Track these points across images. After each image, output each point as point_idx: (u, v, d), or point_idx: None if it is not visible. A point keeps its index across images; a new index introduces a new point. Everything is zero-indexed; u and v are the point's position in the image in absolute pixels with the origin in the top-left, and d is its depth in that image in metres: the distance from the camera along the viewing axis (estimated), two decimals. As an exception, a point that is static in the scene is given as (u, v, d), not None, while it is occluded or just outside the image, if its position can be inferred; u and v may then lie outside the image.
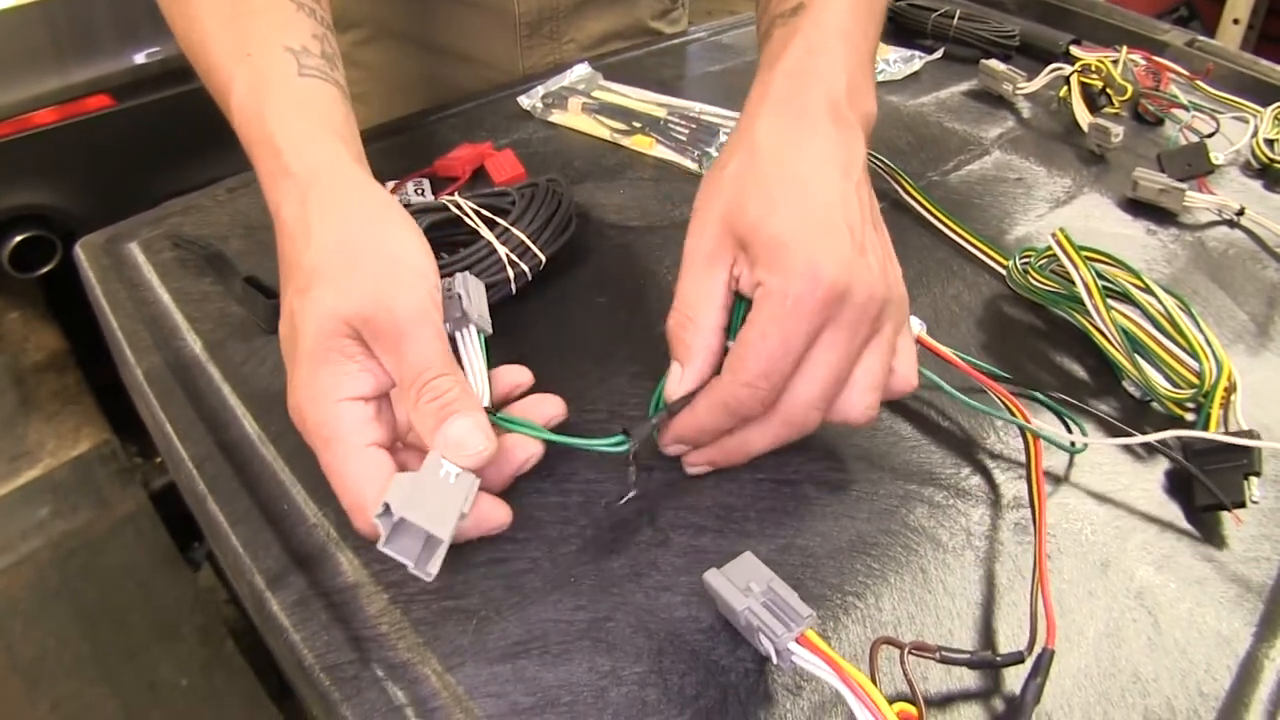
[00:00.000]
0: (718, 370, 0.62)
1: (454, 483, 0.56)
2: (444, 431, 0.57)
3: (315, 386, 0.58)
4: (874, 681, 0.50)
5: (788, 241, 0.58)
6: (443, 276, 0.65)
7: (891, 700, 0.49)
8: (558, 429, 0.64)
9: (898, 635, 0.56)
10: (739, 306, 0.63)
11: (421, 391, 0.58)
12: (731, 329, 0.63)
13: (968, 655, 0.55)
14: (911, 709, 0.50)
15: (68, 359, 2.64)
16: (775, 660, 0.52)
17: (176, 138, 2.42)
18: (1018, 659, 0.55)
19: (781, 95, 0.67)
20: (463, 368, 0.62)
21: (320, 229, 0.62)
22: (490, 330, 0.67)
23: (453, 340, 0.64)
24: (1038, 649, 0.55)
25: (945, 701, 0.54)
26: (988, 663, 0.55)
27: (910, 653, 0.53)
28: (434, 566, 0.55)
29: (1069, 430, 0.69)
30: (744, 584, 0.53)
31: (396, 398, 0.62)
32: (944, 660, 0.54)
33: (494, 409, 0.62)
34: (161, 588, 2.10)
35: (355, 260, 0.61)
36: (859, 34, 0.71)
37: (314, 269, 0.60)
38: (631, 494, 0.62)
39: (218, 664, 1.95)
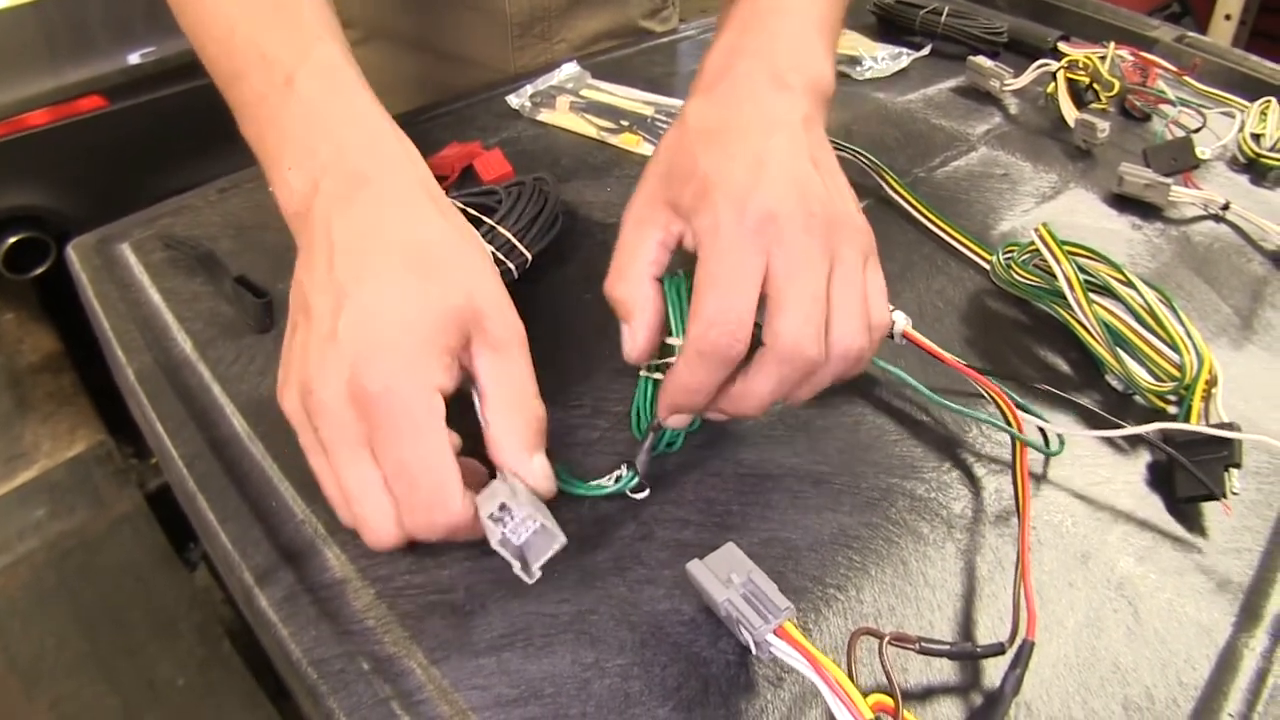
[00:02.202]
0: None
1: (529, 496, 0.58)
2: (540, 456, 0.59)
3: (421, 373, 0.55)
4: (851, 673, 0.50)
5: (713, 181, 0.59)
6: None
7: (870, 691, 0.50)
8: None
9: (879, 627, 0.56)
10: (676, 293, 0.64)
11: (529, 407, 0.60)
12: (677, 325, 0.64)
13: (947, 646, 0.55)
14: (888, 700, 0.50)
15: (63, 360, 2.65)
16: (754, 651, 0.52)
17: (170, 138, 2.42)
18: (998, 650, 0.55)
19: (713, 74, 0.67)
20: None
21: (427, 207, 0.62)
22: None
23: None
24: (1018, 640, 0.55)
25: (925, 693, 0.55)
26: (967, 654, 0.56)
27: (889, 644, 0.53)
28: (538, 569, 0.57)
29: (1045, 438, 0.70)
30: (725, 575, 0.53)
31: (491, 401, 0.59)
32: (923, 651, 0.55)
33: None
34: (158, 587, 2.10)
35: (476, 252, 0.62)
36: (797, 7, 0.71)
37: (434, 245, 0.60)
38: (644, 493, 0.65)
39: (215, 663, 1.96)
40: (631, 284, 0.62)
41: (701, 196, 0.59)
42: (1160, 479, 0.70)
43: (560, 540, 0.56)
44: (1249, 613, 0.62)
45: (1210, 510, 0.68)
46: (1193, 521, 0.68)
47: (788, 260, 0.58)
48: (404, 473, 0.54)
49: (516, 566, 0.56)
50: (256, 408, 0.71)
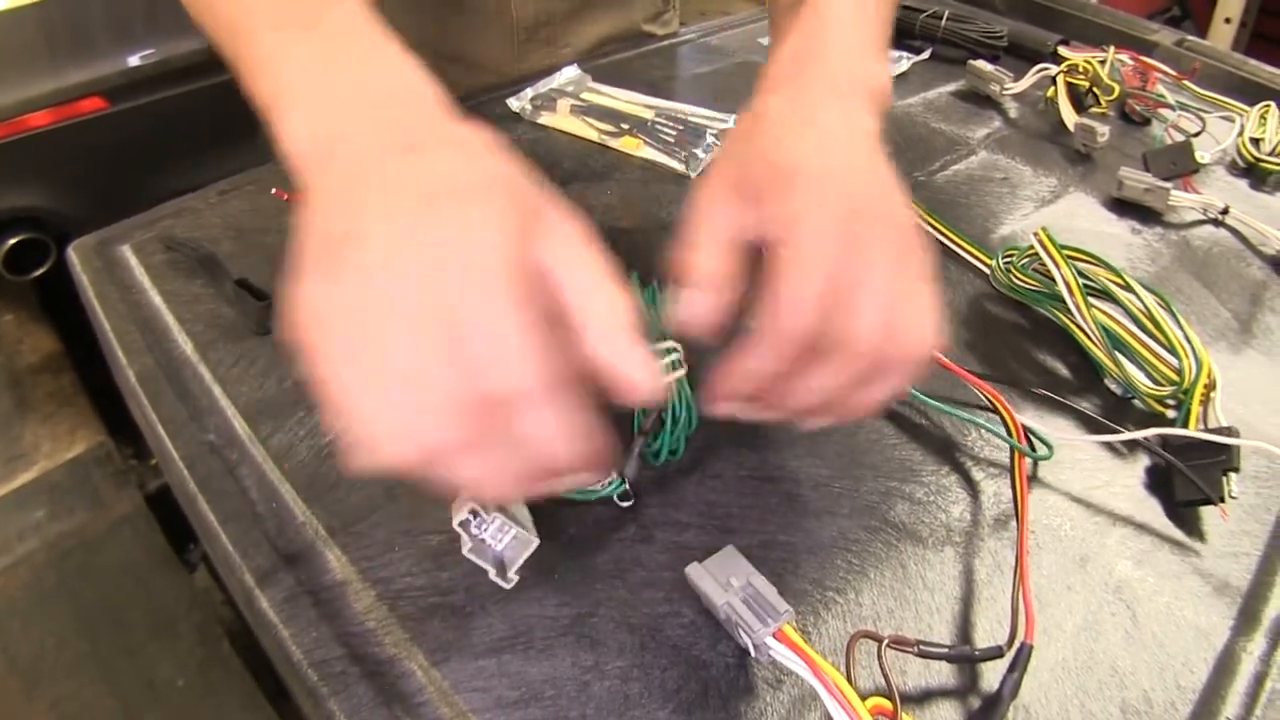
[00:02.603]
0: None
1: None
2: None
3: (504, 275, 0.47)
4: (849, 676, 0.51)
5: (794, 167, 0.56)
6: None
7: (869, 695, 0.50)
8: None
9: (877, 630, 0.57)
10: (651, 299, 0.63)
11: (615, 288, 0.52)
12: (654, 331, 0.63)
13: (946, 650, 0.56)
14: (886, 703, 0.51)
15: (63, 361, 2.65)
16: (753, 654, 0.53)
17: (171, 140, 2.43)
18: (996, 654, 0.56)
19: (782, 78, 0.65)
20: None
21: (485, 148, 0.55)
22: None
23: None
24: (1017, 644, 0.55)
25: (923, 696, 0.55)
26: (966, 657, 0.56)
27: (888, 647, 0.54)
28: (515, 574, 0.57)
29: (1032, 447, 0.70)
30: (725, 579, 0.54)
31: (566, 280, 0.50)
32: (922, 654, 0.55)
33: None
34: (158, 588, 2.10)
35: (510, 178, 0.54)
36: (856, 16, 0.69)
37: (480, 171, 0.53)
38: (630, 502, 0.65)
39: (214, 663, 1.96)
40: (704, 250, 0.57)
41: (781, 185, 0.56)
42: (1159, 483, 0.70)
43: (534, 543, 0.57)
44: (1247, 616, 0.62)
45: (1208, 514, 0.68)
46: (1191, 525, 0.68)
47: (865, 255, 0.55)
48: (475, 332, 0.45)
49: (492, 573, 0.56)
50: (257, 410, 0.71)
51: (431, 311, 0.45)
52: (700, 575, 0.55)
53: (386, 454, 0.45)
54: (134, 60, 2.35)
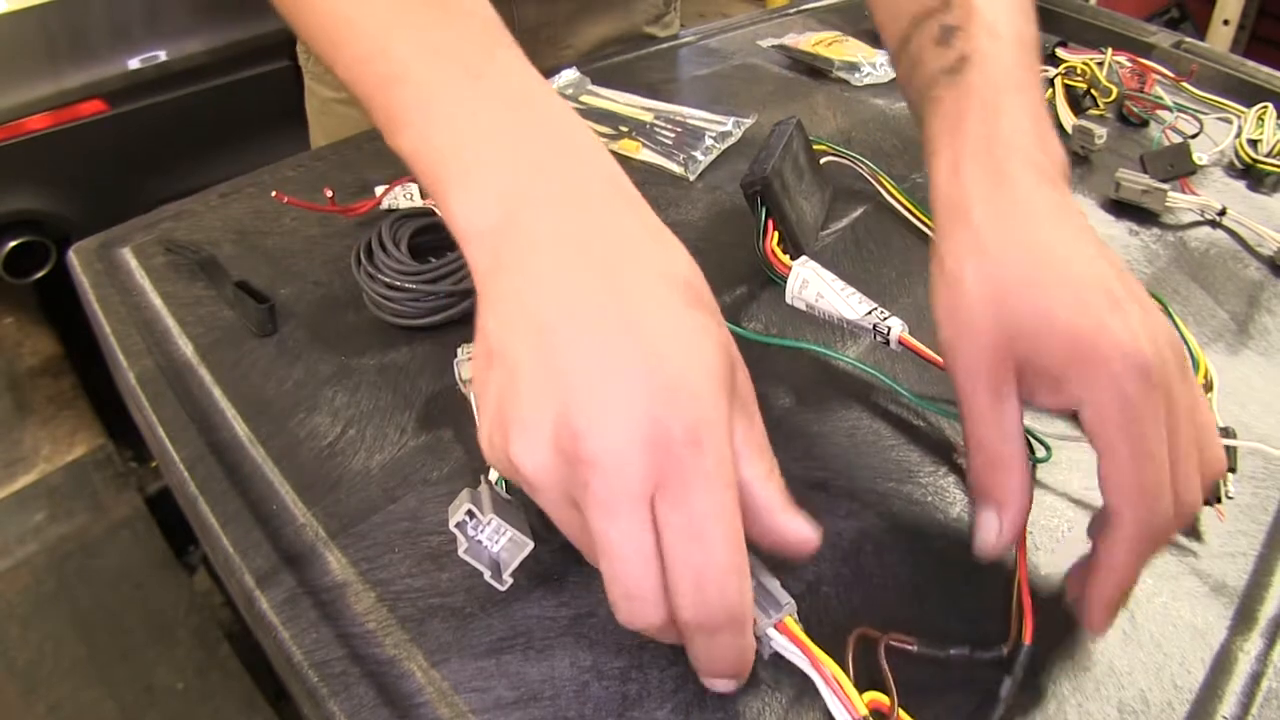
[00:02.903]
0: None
1: (509, 500, 0.59)
2: (799, 510, 0.52)
3: (725, 413, 0.47)
4: (848, 670, 0.51)
5: (1088, 340, 0.51)
6: (439, 286, 0.68)
7: (867, 690, 0.51)
8: None
9: (878, 630, 0.57)
10: None
11: (771, 460, 0.52)
12: None
13: (945, 650, 0.56)
14: (883, 699, 0.51)
15: (63, 364, 2.65)
16: (756, 646, 0.53)
17: (170, 143, 2.43)
18: (996, 655, 0.56)
19: (982, 176, 0.59)
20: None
21: (669, 234, 0.53)
22: None
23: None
24: (1015, 644, 0.55)
25: (921, 694, 0.55)
26: (964, 657, 0.56)
27: (888, 644, 0.54)
28: (509, 576, 0.57)
29: (1030, 448, 0.69)
30: None
31: (750, 460, 0.50)
32: (921, 653, 0.55)
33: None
34: (157, 591, 2.11)
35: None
36: (1031, 79, 0.65)
37: (693, 277, 0.51)
38: None
39: (213, 666, 1.96)
40: (1017, 473, 0.55)
41: (1082, 358, 0.52)
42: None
43: (529, 546, 0.57)
44: (1244, 616, 0.62)
45: (1205, 514, 0.68)
46: (1188, 526, 0.68)
47: (1176, 408, 0.53)
48: (704, 532, 0.45)
49: (487, 574, 0.57)
50: (258, 412, 0.71)
51: (646, 476, 0.45)
52: None
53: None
54: (134, 63, 2.35)
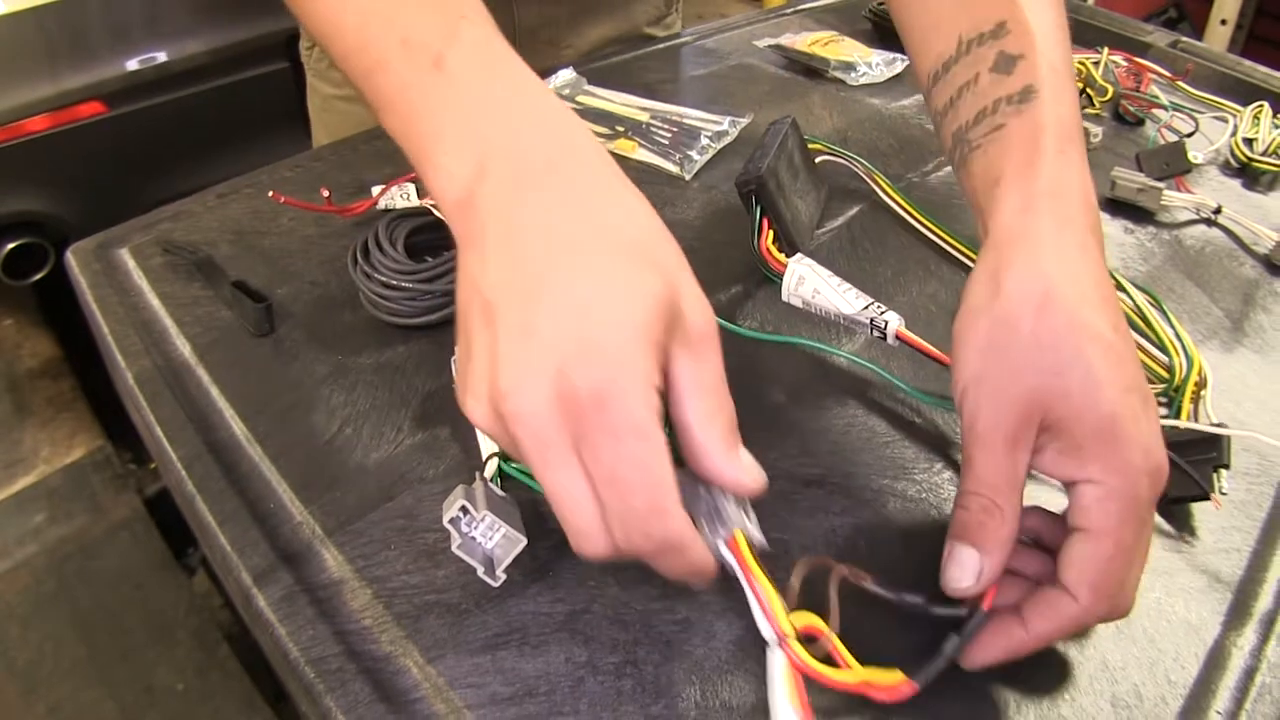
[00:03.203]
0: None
1: (504, 497, 0.60)
2: (744, 451, 0.54)
3: (639, 369, 0.48)
4: (784, 593, 0.52)
5: (1122, 426, 0.52)
6: (435, 285, 0.68)
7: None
8: None
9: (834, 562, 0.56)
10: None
11: (726, 406, 0.54)
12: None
13: (900, 593, 0.57)
14: (820, 624, 0.52)
15: (62, 366, 2.65)
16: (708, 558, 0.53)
17: (169, 144, 2.43)
18: (954, 613, 0.56)
19: (1053, 217, 0.59)
20: None
21: (623, 189, 0.55)
22: None
23: None
24: (974, 608, 0.56)
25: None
26: (920, 607, 0.57)
27: (842, 574, 0.54)
28: (502, 572, 0.58)
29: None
30: (695, 489, 0.55)
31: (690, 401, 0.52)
32: (875, 593, 0.56)
33: (505, 457, 0.66)
34: (157, 592, 2.11)
35: (671, 239, 0.54)
36: (1081, 124, 0.66)
37: (637, 230, 0.53)
38: None
39: (213, 667, 1.96)
40: (1009, 524, 0.55)
41: (1110, 445, 0.52)
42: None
43: (522, 542, 0.58)
44: (1237, 612, 0.63)
45: (1199, 511, 0.69)
46: (1182, 522, 0.68)
47: (1151, 519, 0.54)
48: (617, 479, 0.48)
49: (480, 570, 0.57)
50: (255, 411, 0.71)
51: (562, 431, 0.48)
52: (684, 475, 0.54)
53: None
54: (132, 64, 2.35)
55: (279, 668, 0.58)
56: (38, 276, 2.41)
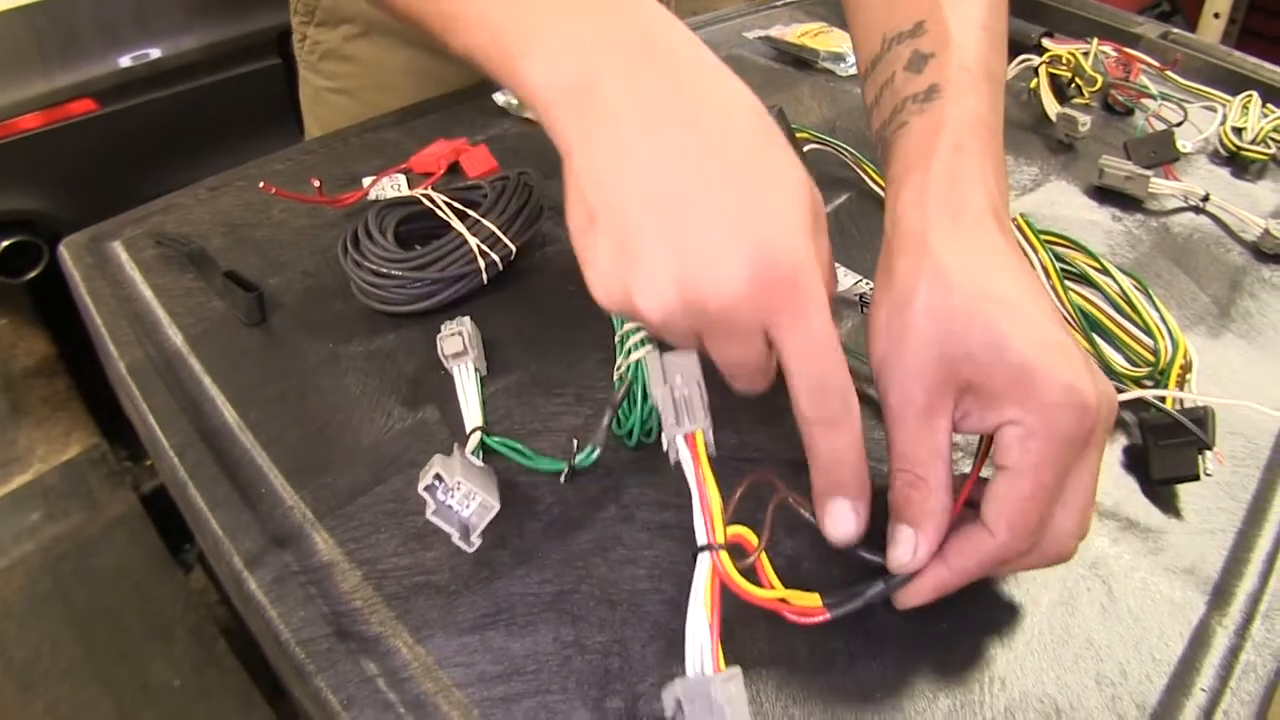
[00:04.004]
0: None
1: (482, 468, 0.62)
2: None
3: (815, 249, 0.52)
4: (727, 503, 0.52)
5: (1036, 370, 0.52)
6: (425, 273, 0.72)
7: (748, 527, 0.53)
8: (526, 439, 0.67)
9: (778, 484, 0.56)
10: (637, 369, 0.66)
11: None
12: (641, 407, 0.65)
13: None
14: (752, 538, 0.52)
15: (57, 364, 2.65)
16: (665, 448, 0.55)
17: (162, 141, 2.42)
18: (879, 559, 0.57)
19: (945, 206, 0.60)
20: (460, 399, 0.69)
21: (738, 81, 0.56)
22: (485, 371, 0.73)
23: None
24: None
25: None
26: (852, 549, 0.58)
27: (783, 498, 0.56)
28: (477, 538, 0.59)
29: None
30: (672, 376, 0.55)
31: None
32: (811, 522, 0.57)
33: (489, 431, 0.67)
34: (153, 589, 2.11)
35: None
36: (996, 118, 0.67)
37: (769, 121, 0.55)
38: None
39: (210, 664, 1.96)
40: (937, 494, 0.55)
41: (1025, 386, 0.53)
42: (1136, 462, 0.71)
43: (495, 507, 0.59)
44: (1222, 591, 0.63)
45: (1185, 492, 0.69)
46: (1167, 504, 0.69)
47: (1089, 458, 0.55)
48: (812, 353, 0.52)
49: (455, 536, 0.58)
50: (247, 398, 0.71)
51: (757, 312, 0.52)
52: (654, 363, 0.56)
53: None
54: (124, 62, 2.35)
55: (270, 650, 0.58)
56: (31, 275, 2.41)
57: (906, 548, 0.55)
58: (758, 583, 0.53)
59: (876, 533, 0.58)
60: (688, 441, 0.54)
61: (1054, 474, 0.53)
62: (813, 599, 0.54)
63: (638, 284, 0.52)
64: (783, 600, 0.53)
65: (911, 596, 0.57)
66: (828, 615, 0.54)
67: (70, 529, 2.22)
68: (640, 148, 0.52)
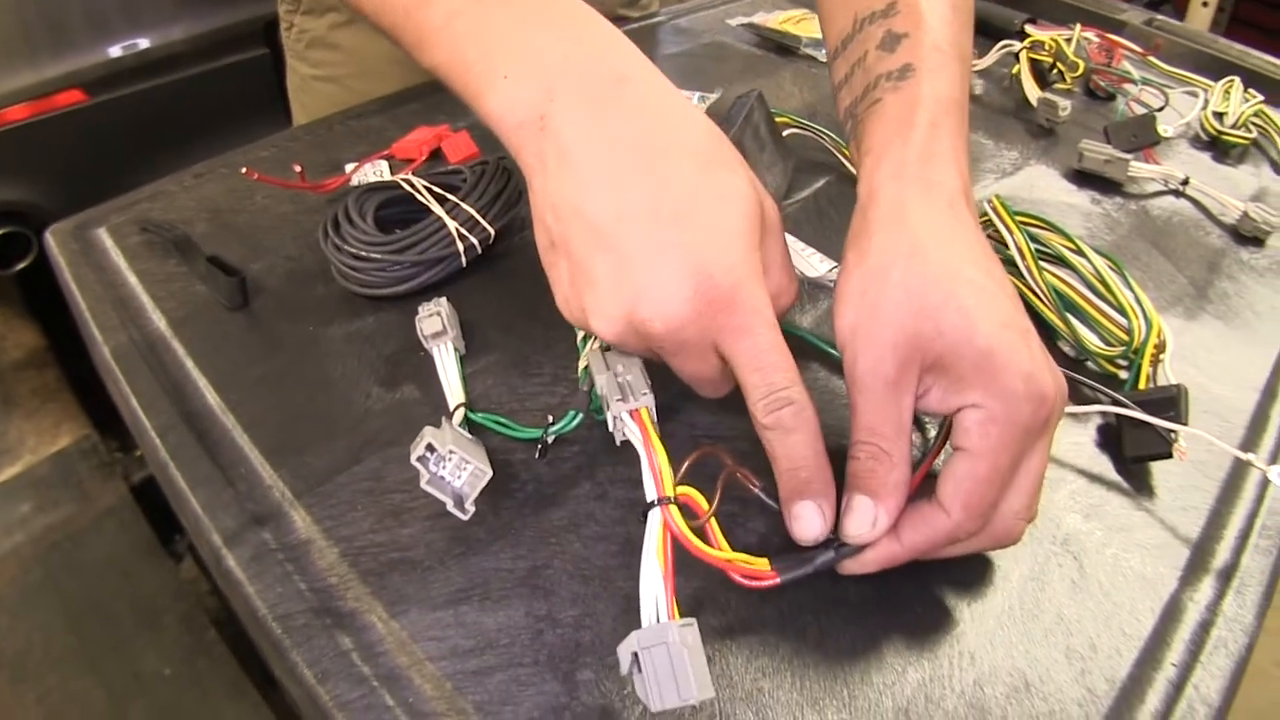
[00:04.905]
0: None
1: (471, 439, 0.63)
2: None
3: (758, 266, 0.56)
4: (676, 468, 0.54)
5: (998, 355, 0.53)
6: (405, 256, 0.74)
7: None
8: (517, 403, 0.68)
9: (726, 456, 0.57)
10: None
11: (794, 286, 0.63)
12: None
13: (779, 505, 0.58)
14: (701, 501, 0.54)
15: (46, 356, 2.64)
16: (610, 427, 0.60)
17: (149, 132, 2.42)
18: (829, 536, 0.57)
19: (920, 182, 0.61)
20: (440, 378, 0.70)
21: (690, 105, 0.61)
22: (464, 350, 0.74)
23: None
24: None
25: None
26: None
27: (731, 471, 0.56)
28: (471, 505, 0.61)
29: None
30: (614, 365, 0.60)
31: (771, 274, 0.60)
32: (761, 499, 0.58)
33: (471, 407, 0.68)
34: (144, 579, 2.11)
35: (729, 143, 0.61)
36: (965, 99, 0.68)
37: (716, 141, 0.59)
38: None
39: (200, 653, 1.96)
40: (899, 468, 0.56)
41: (987, 372, 0.54)
42: (1110, 441, 0.72)
43: (488, 474, 0.60)
44: (1195, 567, 0.64)
45: (1159, 470, 0.70)
46: (1141, 481, 0.69)
47: (1041, 444, 0.56)
48: (762, 364, 0.55)
49: (450, 504, 0.59)
50: (228, 381, 0.72)
51: (705, 328, 0.56)
52: (596, 359, 0.61)
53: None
54: (112, 52, 2.35)
55: (250, 626, 0.59)
56: (20, 266, 2.41)
57: (865, 518, 0.56)
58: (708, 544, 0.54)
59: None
60: (634, 416, 0.57)
61: (1010, 459, 0.54)
62: (762, 563, 0.55)
63: (591, 309, 0.57)
64: (730, 561, 0.54)
65: (857, 566, 0.58)
66: (777, 579, 0.55)
67: (61, 520, 2.22)
68: (590, 181, 0.56)
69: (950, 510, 0.55)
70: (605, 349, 0.63)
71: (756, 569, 0.55)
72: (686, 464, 0.54)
